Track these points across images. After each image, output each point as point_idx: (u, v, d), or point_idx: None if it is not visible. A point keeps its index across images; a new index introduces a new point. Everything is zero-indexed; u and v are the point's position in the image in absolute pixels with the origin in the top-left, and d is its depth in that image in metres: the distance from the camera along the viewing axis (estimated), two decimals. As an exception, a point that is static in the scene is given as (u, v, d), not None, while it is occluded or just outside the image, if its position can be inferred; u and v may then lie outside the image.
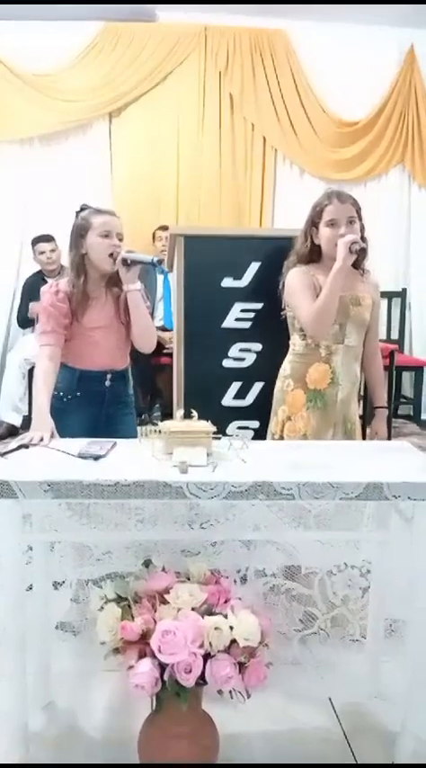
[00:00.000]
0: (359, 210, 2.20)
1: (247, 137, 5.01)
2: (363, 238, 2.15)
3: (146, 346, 2.26)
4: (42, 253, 4.48)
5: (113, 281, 2.19)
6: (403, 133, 5.04)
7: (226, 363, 2.71)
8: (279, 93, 4.88)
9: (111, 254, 2.12)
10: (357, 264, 2.20)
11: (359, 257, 2.14)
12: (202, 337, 2.68)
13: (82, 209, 2.20)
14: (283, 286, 2.27)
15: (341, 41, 4.81)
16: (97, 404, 2.21)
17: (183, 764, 1.55)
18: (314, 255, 2.24)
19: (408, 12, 4.58)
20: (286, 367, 2.31)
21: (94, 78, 4.74)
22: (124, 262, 2.10)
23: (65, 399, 2.19)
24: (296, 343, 2.28)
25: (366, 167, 5.03)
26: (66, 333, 2.15)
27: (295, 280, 2.22)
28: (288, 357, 2.31)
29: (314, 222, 2.21)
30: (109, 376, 2.22)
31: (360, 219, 2.20)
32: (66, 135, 4.85)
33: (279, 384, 2.33)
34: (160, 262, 2.12)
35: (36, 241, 4.51)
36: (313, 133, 4.95)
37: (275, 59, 4.85)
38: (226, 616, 1.52)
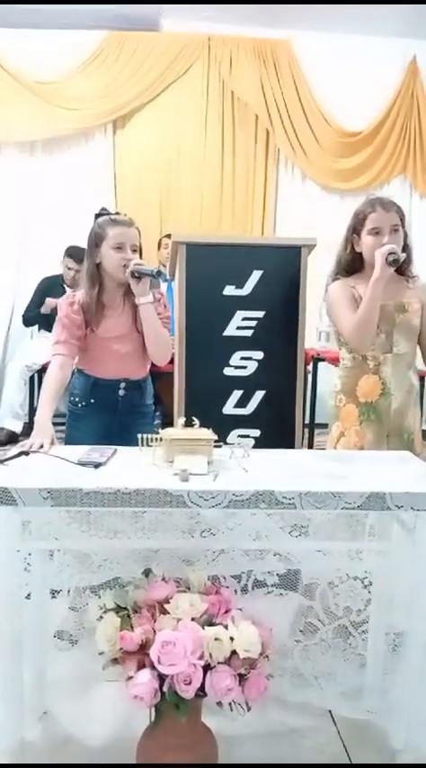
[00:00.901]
0: (403, 218, 2.16)
1: (249, 145, 5.02)
2: (406, 246, 2.12)
3: (160, 358, 2.24)
4: (70, 268, 4.47)
5: (130, 290, 2.16)
6: (405, 143, 5.06)
7: (228, 371, 2.69)
8: (283, 103, 4.89)
9: (124, 266, 2.11)
10: (401, 271, 2.15)
11: (403, 265, 2.10)
12: (204, 345, 2.67)
13: (100, 215, 2.18)
14: (326, 301, 2.24)
15: (343, 52, 4.84)
16: (110, 412, 2.20)
17: (180, 764, 1.53)
18: (356, 264, 2.19)
19: (410, 23, 4.61)
20: (336, 383, 2.26)
21: (98, 87, 4.77)
22: (132, 274, 2.09)
23: (79, 405, 2.21)
24: (344, 356, 2.24)
25: (368, 177, 5.04)
26: (80, 343, 2.16)
27: (334, 293, 2.19)
28: (338, 372, 2.27)
29: (356, 230, 2.16)
30: (123, 385, 2.21)
31: (404, 227, 2.15)
32: (69, 142, 4.88)
33: (331, 401, 2.28)
34: (159, 273, 2.11)
35: (67, 253, 4.45)
36: (315, 143, 4.98)
37: (278, 69, 4.88)
38: (226, 627, 1.51)
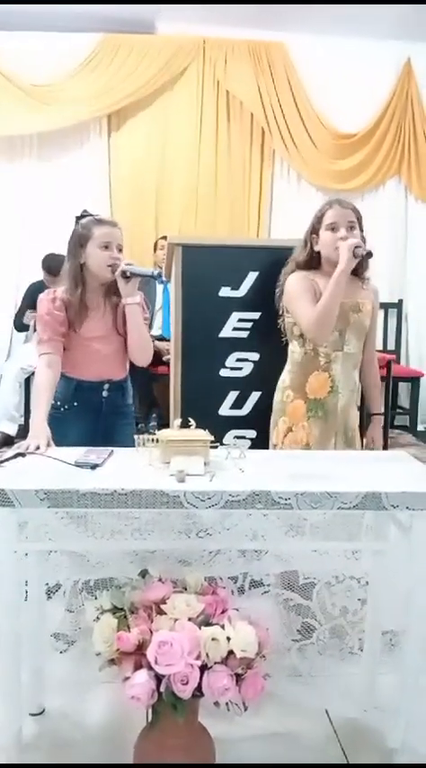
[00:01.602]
0: (360, 219, 2.20)
1: (245, 147, 5.04)
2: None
3: (141, 359, 2.24)
4: (47, 280, 4.47)
5: (112, 290, 2.17)
6: (400, 146, 5.08)
7: (224, 373, 2.70)
8: (278, 104, 4.90)
9: (111, 266, 2.10)
10: (357, 272, 2.20)
11: (361, 263, 2.14)
12: (200, 347, 2.67)
13: (82, 216, 2.17)
14: (281, 293, 2.27)
15: (338, 54, 4.85)
16: (94, 414, 2.20)
17: (178, 765, 1.53)
18: (313, 263, 2.23)
19: (405, 25, 4.63)
20: (285, 378, 2.29)
21: (93, 89, 4.76)
22: (123, 274, 2.09)
23: (62, 409, 2.18)
24: (294, 351, 2.26)
25: (363, 179, 5.06)
26: (64, 340, 2.14)
27: (294, 284, 2.20)
28: (287, 367, 2.29)
29: (314, 229, 2.21)
30: (106, 386, 2.21)
31: (361, 229, 2.19)
32: (64, 145, 4.87)
33: (278, 395, 2.31)
34: (160, 275, 2.11)
35: (43, 266, 4.44)
36: (311, 145, 4.99)
37: (273, 72, 4.89)
38: (223, 627, 1.51)
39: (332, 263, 2.12)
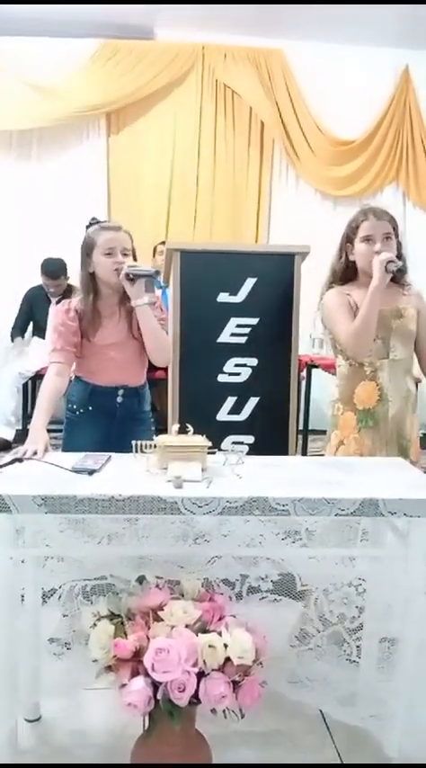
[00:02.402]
0: (396, 228, 2.18)
1: (243, 153, 5.05)
2: (399, 255, 2.13)
3: (160, 359, 2.23)
4: (46, 285, 4.49)
5: (126, 296, 2.15)
6: (398, 152, 5.10)
7: (222, 378, 2.71)
8: (277, 111, 4.92)
9: (116, 271, 2.10)
10: (396, 278, 2.17)
11: (397, 273, 2.12)
12: (198, 352, 2.68)
13: (90, 225, 2.18)
14: (322, 308, 2.24)
15: (337, 61, 4.88)
16: (108, 419, 2.19)
17: (174, 764, 1.52)
18: (350, 273, 2.21)
19: (403, 33, 4.66)
20: (334, 391, 2.26)
21: (92, 94, 4.78)
22: (127, 277, 2.08)
23: (77, 413, 2.20)
24: (340, 364, 2.23)
25: (361, 185, 5.08)
26: (77, 351, 2.15)
27: (331, 301, 2.19)
28: (336, 381, 2.26)
29: (349, 238, 2.18)
30: (121, 392, 2.21)
31: (397, 236, 2.17)
32: (63, 149, 4.88)
33: (330, 410, 2.27)
34: (158, 272, 2.11)
35: (43, 271, 4.47)
36: (309, 151, 5.00)
37: (272, 78, 4.91)
38: (220, 634, 1.51)
39: (369, 275, 2.09)
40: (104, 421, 2.19)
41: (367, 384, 2.16)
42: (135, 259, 2.18)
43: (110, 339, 2.17)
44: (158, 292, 4.62)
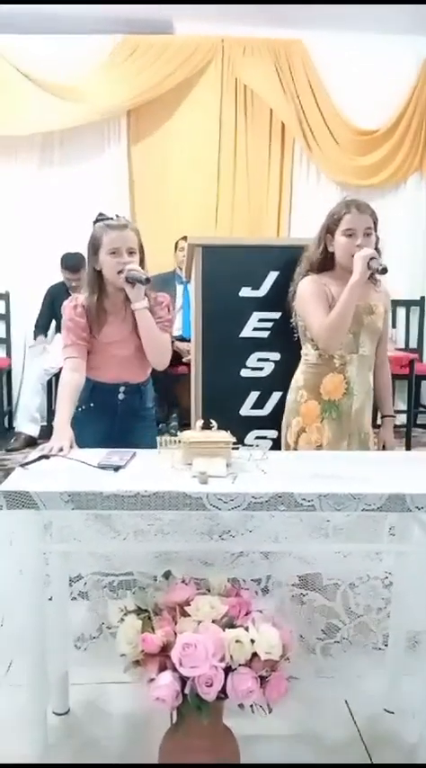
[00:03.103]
0: (376, 222, 2.18)
1: (264, 146, 5.02)
2: (376, 249, 2.14)
3: (158, 363, 2.22)
4: (68, 279, 4.51)
5: None
6: (422, 141, 5.02)
7: (244, 373, 2.70)
8: (299, 102, 4.88)
9: (120, 272, 2.09)
10: (369, 276, 2.17)
11: (377, 274, 2.12)
12: (220, 347, 2.68)
13: (97, 221, 2.16)
14: (293, 294, 2.26)
15: (357, 51, 4.81)
16: (110, 416, 2.20)
17: (203, 765, 1.53)
18: (327, 263, 2.22)
19: (424, 21, 4.58)
20: (298, 378, 2.29)
21: (112, 90, 4.78)
22: (127, 280, 2.08)
23: (79, 410, 2.19)
24: (308, 353, 2.26)
25: (384, 175, 5.01)
26: (88, 344, 2.15)
27: (306, 289, 2.20)
28: (301, 368, 2.29)
29: (329, 230, 2.19)
30: (122, 389, 2.21)
31: (376, 231, 2.18)
32: (85, 147, 4.89)
33: (291, 395, 2.30)
34: (147, 280, 2.09)
35: (63, 265, 4.50)
36: (332, 141, 4.95)
37: (292, 69, 4.86)
38: (247, 629, 1.51)
39: (346, 269, 2.11)
40: (106, 417, 2.20)
41: (335, 376, 2.20)
42: (142, 257, 2.16)
43: (114, 337, 2.17)
44: (179, 288, 4.66)
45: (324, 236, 2.21)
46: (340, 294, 2.11)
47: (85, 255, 2.20)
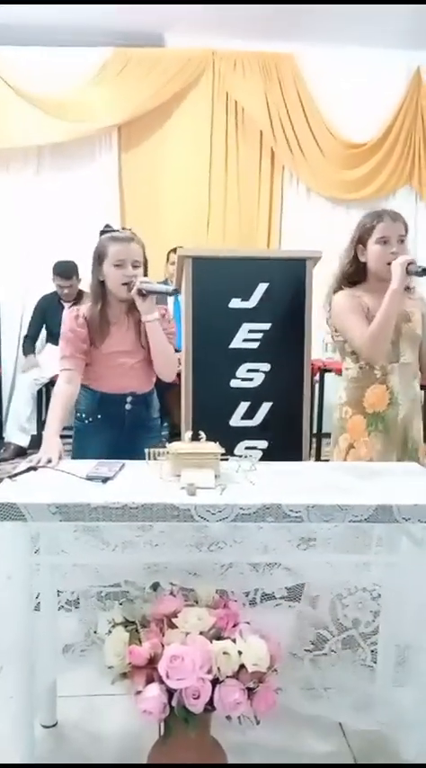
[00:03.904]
0: (407, 230, 2.16)
1: (255, 158, 5.06)
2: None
3: (167, 374, 2.24)
4: (60, 286, 4.52)
5: (135, 306, 2.15)
6: (410, 154, 5.09)
7: (234, 384, 2.70)
8: (287, 116, 4.93)
9: (126, 284, 2.10)
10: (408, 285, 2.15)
11: (418, 276, 2.08)
12: (210, 358, 2.68)
13: (103, 232, 2.18)
14: (328, 309, 2.23)
15: (347, 64, 4.88)
16: (117, 427, 2.20)
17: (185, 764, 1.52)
18: (359, 275, 2.20)
19: (414, 35, 4.64)
20: (341, 394, 2.25)
21: (103, 103, 4.81)
22: (139, 292, 2.08)
23: (86, 421, 2.21)
24: (349, 367, 2.22)
25: (373, 188, 5.07)
26: (86, 357, 2.15)
27: (342, 303, 2.17)
28: (342, 384, 2.25)
29: (361, 240, 2.16)
30: (129, 399, 2.21)
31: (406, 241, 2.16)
32: (76, 157, 4.91)
33: (336, 413, 2.26)
34: (177, 291, 2.11)
35: (55, 271, 4.52)
36: (320, 154, 5.00)
37: (282, 83, 4.92)
38: (234, 641, 1.51)
39: (380, 278, 2.08)
40: (114, 428, 2.20)
41: (377, 387, 2.15)
42: (146, 270, 2.18)
43: (117, 347, 2.18)
44: (170, 299, 4.67)
45: (355, 248, 2.18)
46: (374, 305, 2.08)
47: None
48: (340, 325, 2.19)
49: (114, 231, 2.18)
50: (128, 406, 2.21)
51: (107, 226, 2.20)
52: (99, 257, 2.15)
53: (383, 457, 2.15)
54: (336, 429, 2.27)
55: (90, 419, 2.20)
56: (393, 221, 2.13)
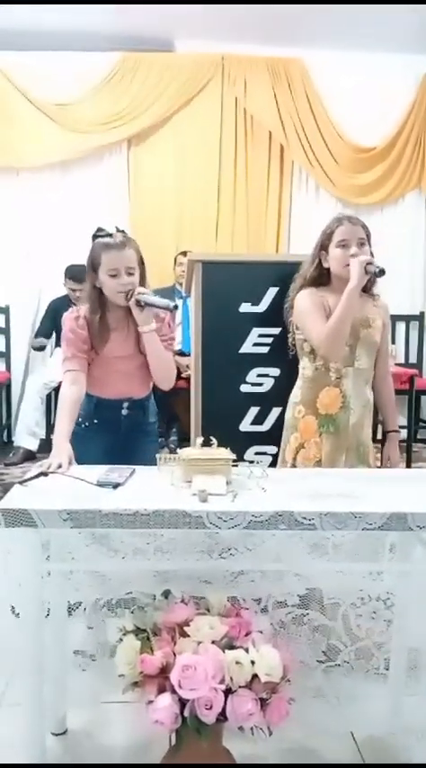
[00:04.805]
0: (369, 235, 2.19)
1: (264, 163, 5.05)
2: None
3: (164, 383, 2.21)
4: (72, 290, 4.52)
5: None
6: (419, 158, 5.06)
7: (244, 389, 2.70)
8: (298, 120, 4.92)
9: (122, 293, 2.07)
10: (366, 288, 2.19)
11: (370, 280, 2.14)
12: (220, 362, 2.67)
13: (96, 236, 2.13)
14: (290, 309, 2.27)
15: (356, 69, 4.86)
16: (114, 432, 2.19)
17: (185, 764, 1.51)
18: (323, 279, 2.23)
19: (422, 39, 4.62)
20: (296, 393, 2.29)
21: (113, 107, 4.81)
22: (138, 303, 2.06)
23: (83, 426, 2.18)
24: (305, 366, 2.26)
25: (383, 192, 5.04)
26: (88, 357, 2.13)
27: (304, 300, 2.20)
28: (298, 383, 2.29)
29: (323, 245, 2.21)
30: (126, 404, 2.20)
31: (370, 245, 2.19)
32: (84, 161, 4.91)
33: (289, 411, 2.30)
34: (176, 307, 2.08)
35: (68, 275, 4.51)
36: (331, 159, 4.98)
37: (292, 87, 4.91)
38: (247, 650, 1.49)
39: (343, 280, 2.11)
40: (110, 433, 2.18)
41: (331, 390, 2.19)
42: (142, 271, 2.13)
43: (117, 352, 2.16)
44: (179, 302, 4.66)
45: (319, 254, 2.22)
46: (336, 305, 2.11)
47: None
48: (300, 323, 2.23)
49: (106, 236, 2.11)
50: (124, 411, 2.20)
51: (99, 229, 2.13)
52: (93, 265, 2.10)
53: (331, 459, 2.19)
54: (288, 427, 2.30)
55: (86, 423, 2.18)
56: (352, 225, 2.17)
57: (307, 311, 2.18)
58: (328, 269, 2.21)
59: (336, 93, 4.90)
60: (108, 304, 2.14)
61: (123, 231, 2.14)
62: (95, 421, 2.20)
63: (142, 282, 2.12)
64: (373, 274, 2.11)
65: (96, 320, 2.12)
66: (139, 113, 4.85)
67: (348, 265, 2.11)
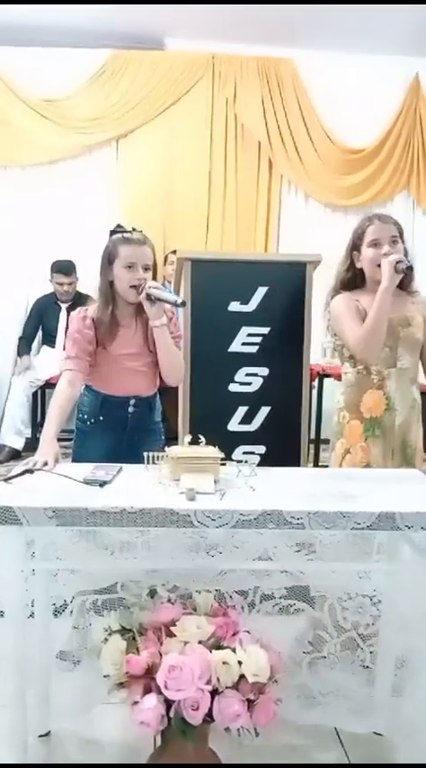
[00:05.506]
0: (401, 232, 2.17)
1: (253, 163, 5.04)
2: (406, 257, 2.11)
3: (174, 379, 2.22)
4: (60, 284, 4.48)
5: (142, 308, 2.11)
6: (408, 160, 5.08)
7: (233, 388, 2.69)
8: (286, 121, 4.92)
9: (134, 287, 2.07)
10: (404, 285, 2.15)
11: (405, 277, 2.10)
12: (209, 361, 2.66)
13: (114, 232, 2.14)
14: (329, 316, 2.23)
15: (346, 70, 4.86)
16: (119, 429, 2.17)
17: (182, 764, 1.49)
18: (357, 281, 2.20)
19: (413, 41, 4.64)
20: (339, 399, 2.24)
21: (102, 105, 4.78)
22: (148, 297, 2.05)
23: (89, 423, 2.18)
24: (347, 371, 2.22)
25: (371, 193, 5.05)
26: (91, 359, 2.12)
27: (338, 305, 2.17)
28: (341, 388, 2.25)
29: (355, 245, 2.17)
30: (132, 402, 2.18)
31: (403, 241, 2.16)
32: (73, 157, 4.88)
33: (335, 418, 2.25)
34: (183, 303, 2.07)
35: (55, 269, 4.48)
36: (318, 160, 4.98)
37: (282, 87, 4.90)
38: (234, 650, 1.48)
39: (376, 281, 2.07)
40: (115, 431, 2.17)
41: (374, 392, 2.14)
42: (154, 273, 2.15)
43: (125, 349, 2.15)
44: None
45: (351, 254, 2.19)
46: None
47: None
48: (337, 328, 2.19)
49: (126, 232, 2.14)
50: (130, 409, 2.18)
51: (118, 226, 2.16)
52: (109, 258, 2.11)
53: (379, 462, 2.14)
54: (334, 434, 2.25)
55: (92, 420, 2.18)
56: (383, 223, 2.14)
57: (342, 316, 2.14)
58: (362, 269, 2.17)
59: (326, 94, 4.90)
60: (118, 300, 2.13)
61: (141, 231, 2.17)
62: (101, 418, 2.18)
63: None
64: (402, 272, 2.05)
65: (107, 314, 2.11)
66: (129, 110, 4.82)
67: (379, 265, 2.07)
